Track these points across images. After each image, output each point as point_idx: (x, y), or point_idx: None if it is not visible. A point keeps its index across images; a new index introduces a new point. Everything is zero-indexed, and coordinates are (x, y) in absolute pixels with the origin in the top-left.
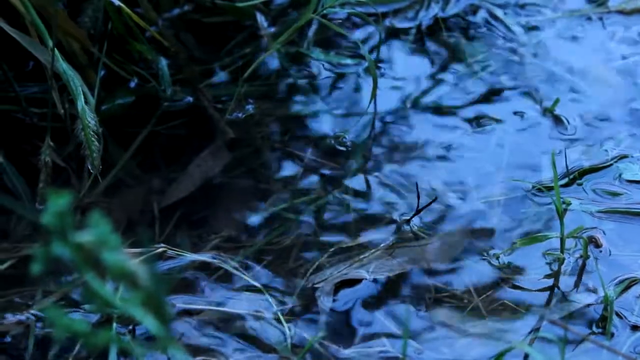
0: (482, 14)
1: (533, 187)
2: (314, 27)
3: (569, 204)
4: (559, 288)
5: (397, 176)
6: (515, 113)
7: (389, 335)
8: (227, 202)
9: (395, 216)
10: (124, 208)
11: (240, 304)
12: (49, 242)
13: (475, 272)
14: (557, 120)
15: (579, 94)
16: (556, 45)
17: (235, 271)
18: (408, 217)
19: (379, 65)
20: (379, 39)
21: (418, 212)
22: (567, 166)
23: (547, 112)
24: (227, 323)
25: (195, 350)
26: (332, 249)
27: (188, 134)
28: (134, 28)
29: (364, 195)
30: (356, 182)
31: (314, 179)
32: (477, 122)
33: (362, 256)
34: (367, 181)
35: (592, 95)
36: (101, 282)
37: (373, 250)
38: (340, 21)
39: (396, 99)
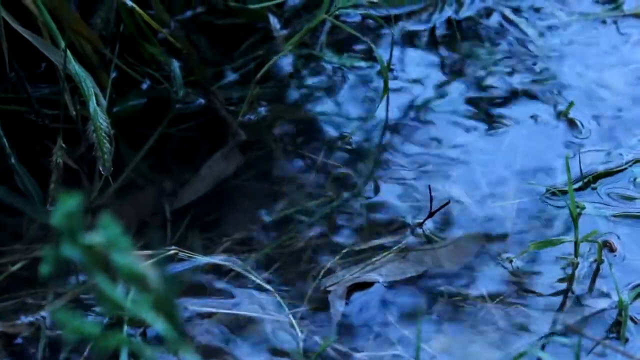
0: (496, 17)
1: (547, 190)
2: (326, 29)
3: (583, 208)
4: (572, 292)
5: (409, 179)
6: (529, 116)
7: (402, 340)
8: (239, 204)
9: (408, 219)
10: (135, 210)
11: (251, 307)
12: (59, 243)
13: (488, 276)
14: (572, 124)
15: (594, 97)
16: (570, 48)
17: (246, 274)
18: (421, 220)
19: (392, 67)
20: (392, 41)
21: (431, 215)
22: (581, 170)
23: (562, 115)
24: (238, 326)
25: (206, 353)
26: (344, 252)
27: (200, 136)
28: (146, 30)
29: (376, 198)
30: (368, 185)
31: (326, 181)
32: (490, 125)
33: (374, 259)
34: (379, 184)
35: (606, 98)
36: (112, 284)
37: (385, 254)
38: (353, 23)
39: (409, 102)
